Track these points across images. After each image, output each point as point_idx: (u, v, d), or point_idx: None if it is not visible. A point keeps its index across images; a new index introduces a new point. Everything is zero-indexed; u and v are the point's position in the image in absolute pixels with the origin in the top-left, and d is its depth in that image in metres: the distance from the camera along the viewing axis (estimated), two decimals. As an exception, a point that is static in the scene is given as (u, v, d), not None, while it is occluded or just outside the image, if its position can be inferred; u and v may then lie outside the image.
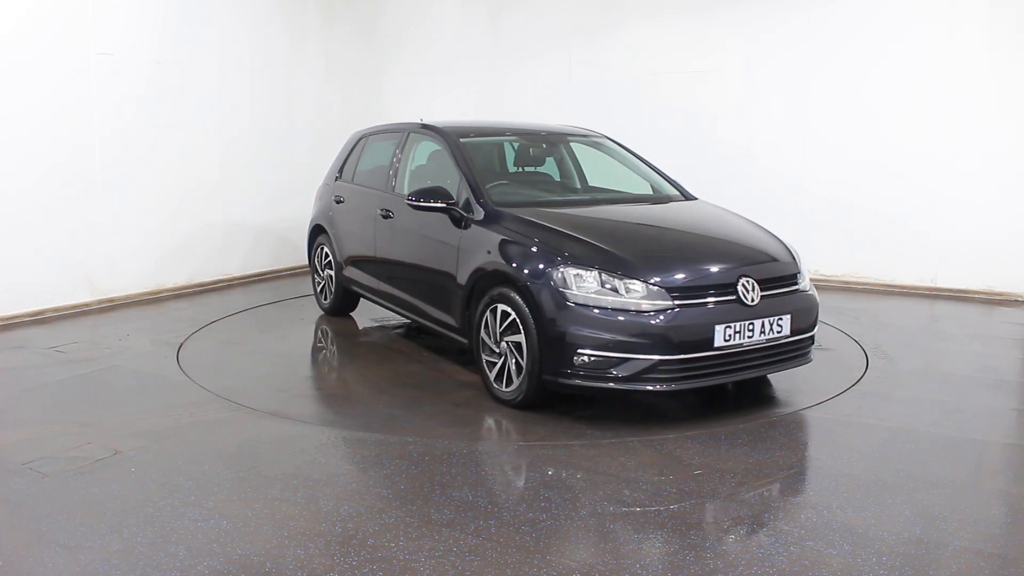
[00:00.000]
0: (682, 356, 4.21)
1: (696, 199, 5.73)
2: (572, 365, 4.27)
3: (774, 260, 4.72)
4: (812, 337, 4.77)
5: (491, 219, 4.89)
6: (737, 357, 4.37)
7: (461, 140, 5.59)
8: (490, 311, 4.68)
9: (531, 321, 4.40)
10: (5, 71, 6.37)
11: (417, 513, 3.35)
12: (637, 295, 4.24)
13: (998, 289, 7.60)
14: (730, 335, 4.29)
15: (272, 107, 8.92)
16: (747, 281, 4.41)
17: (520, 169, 6.09)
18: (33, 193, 6.61)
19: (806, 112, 8.31)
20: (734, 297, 4.35)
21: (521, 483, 3.63)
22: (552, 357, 4.33)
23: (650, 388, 4.25)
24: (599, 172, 6.24)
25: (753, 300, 4.38)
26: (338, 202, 6.72)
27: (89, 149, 7.01)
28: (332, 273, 6.81)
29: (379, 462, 3.96)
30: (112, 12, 7.09)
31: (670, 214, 5.38)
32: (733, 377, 4.47)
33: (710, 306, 4.31)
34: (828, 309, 7.17)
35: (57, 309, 6.81)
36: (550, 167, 6.21)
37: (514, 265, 4.58)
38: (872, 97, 7.98)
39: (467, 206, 5.07)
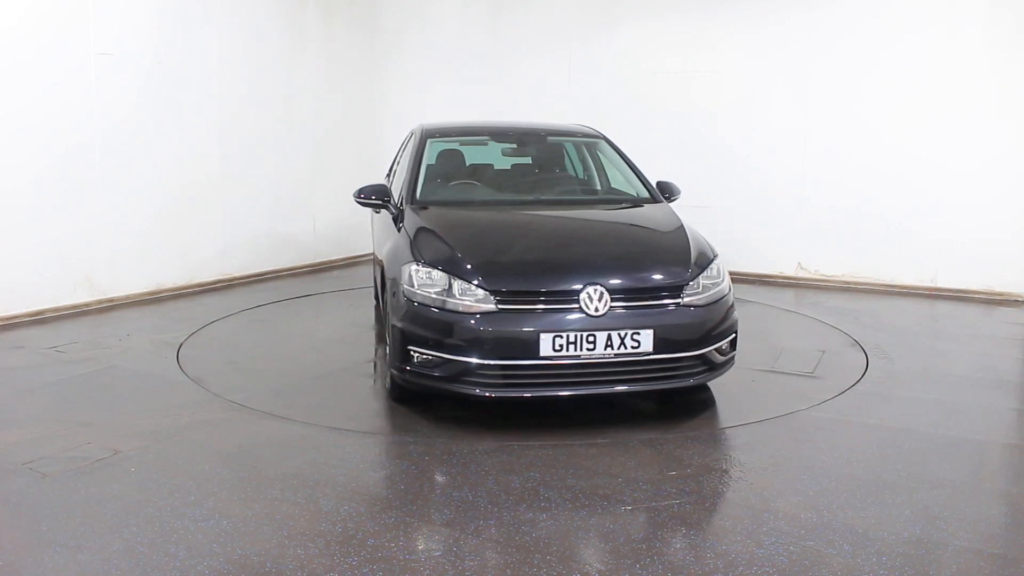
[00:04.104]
0: (501, 362, 4.08)
1: (661, 202, 5.42)
2: (410, 361, 4.29)
3: (649, 270, 4.38)
4: (702, 356, 4.32)
5: (405, 217, 5.02)
6: (575, 370, 4.11)
7: (429, 140, 5.73)
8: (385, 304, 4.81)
9: (389, 315, 4.49)
10: (4, 71, 6.37)
11: (417, 513, 3.35)
12: (467, 297, 4.18)
13: (998, 289, 7.60)
14: (561, 345, 4.05)
15: (272, 106, 8.92)
16: (593, 290, 4.13)
17: (508, 168, 6.11)
18: (33, 194, 6.61)
19: (806, 112, 8.30)
20: (576, 306, 4.13)
21: (521, 483, 3.63)
22: (395, 352, 4.40)
23: (476, 392, 4.13)
24: (590, 171, 6.19)
25: (598, 310, 4.11)
26: None
27: (89, 150, 7.00)
28: None
29: (379, 462, 3.96)
30: (112, 12, 7.09)
31: (593, 218, 5.26)
32: (573, 391, 4.19)
33: (537, 312, 4.10)
34: (828, 309, 7.19)
35: (57, 309, 6.81)
36: (534, 165, 6.18)
37: (386, 260, 4.76)
38: (872, 97, 7.97)
39: (400, 203, 5.25)
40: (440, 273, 4.28)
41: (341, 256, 9.74)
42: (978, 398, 4.86)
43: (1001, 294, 7.57)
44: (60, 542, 3.08)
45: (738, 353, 5.55)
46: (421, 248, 4.52)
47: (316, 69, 9.47)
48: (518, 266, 4.35)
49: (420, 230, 4.73)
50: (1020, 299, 7.47)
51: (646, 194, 5.55)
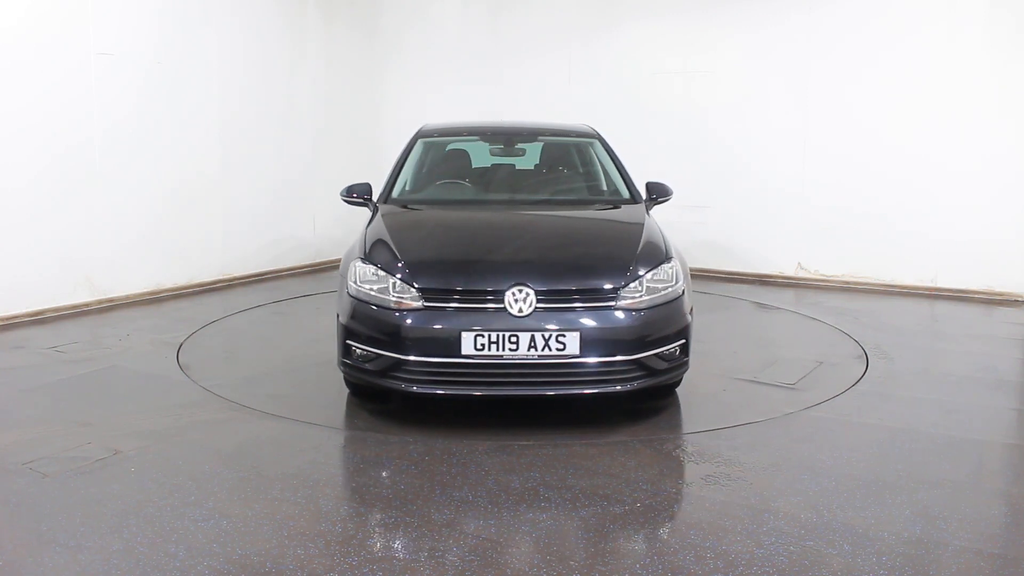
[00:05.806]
0: (424, 359, 4.12)
1: (638, 204, 5.25)
2: (350, 355, 4.39)
3: (582, 272, 4.31)
4: (638, 362, 4.16)
5: (375, 215, 5.08)
6: (497, 370, 4.08)
7: (419, 140, 5.79)
8: None
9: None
10: (4, 71, 6.36)
11: (417, 513, 3.35)
12: (399, 294, 4.23)
13: (998, 289, 7.60)
14: (483, 344, 4.04)
15: (272, 106, 8.91)
16: (518, 290, 4.09)
17: (495, 166, 6.15)
18: (33, 193, 6.61)
19: (806, 112, 8.30)
20: (500, 306, 4.10)
21: (521, 483, 3.63)
22: (340, 346, 4.50)
23: (403, 387, 4.20)
24: (574, 171, 6.13)
25: (521, 311, 4.08)
26: None
27: (89, 149, 7.00)
28: None
29: (379, 462, 3.96)
30: (112, 12, 7.08)
31: (548, 218, 5.22)
32: (499, 391, 4.16)
33: (460, 311, 4.12)
34: (828, 309, 7.19)
35: (57, 309, 6.81)
36: (520, 165, 6.17)
37: (343, 257, 4.87)
38: (872, 97, 7.98)
39: (377, 202, 5.32)
40: (382, 271, 4.36)
41: (341, 256, 9.72)
42: (978, 398, 4.85)
43: (1001, 294, 7.57)
44: (60, 542, 3.08)
45: (729, 357, 5.58)
46: (369, 246, 4.60)
47: (316, 69, 9.46)
48: (446, 265, 4.42)
49: (377, 228, 4.79)
50: (1020, 299, 7.47)
51: (627, 195, 5.41)
